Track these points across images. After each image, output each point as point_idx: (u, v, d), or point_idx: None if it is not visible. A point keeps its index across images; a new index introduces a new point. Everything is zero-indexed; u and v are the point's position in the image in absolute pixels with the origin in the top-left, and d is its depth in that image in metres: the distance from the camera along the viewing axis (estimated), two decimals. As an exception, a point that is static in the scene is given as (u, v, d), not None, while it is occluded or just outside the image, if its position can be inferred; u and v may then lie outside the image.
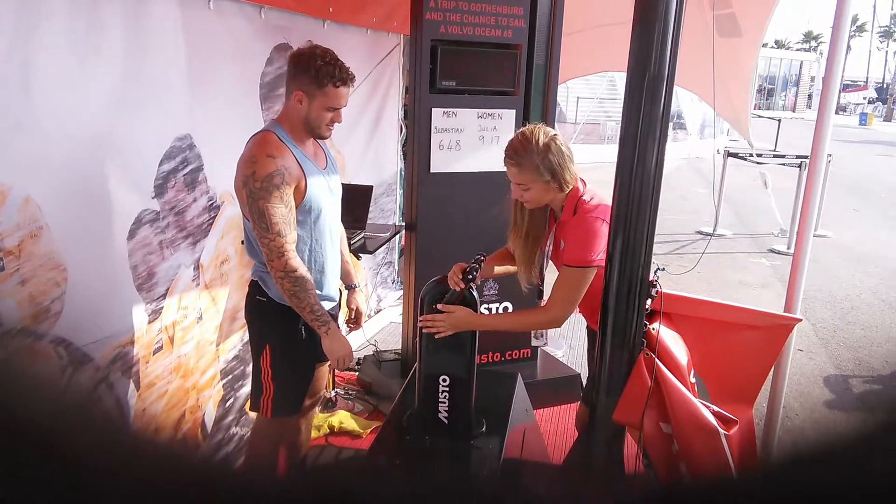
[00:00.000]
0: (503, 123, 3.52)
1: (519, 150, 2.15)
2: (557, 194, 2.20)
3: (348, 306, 2.72)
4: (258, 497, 0.47)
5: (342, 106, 2.23)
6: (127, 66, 2.24)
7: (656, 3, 2.01)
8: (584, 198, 2.18)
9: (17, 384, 0.46)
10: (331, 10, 3.52)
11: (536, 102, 3.59)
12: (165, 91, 2.46)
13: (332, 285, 2.47)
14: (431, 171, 3.42)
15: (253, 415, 3.05)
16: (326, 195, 2.32)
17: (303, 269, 2.16)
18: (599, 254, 2.10)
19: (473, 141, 3.48)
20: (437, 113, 3.36)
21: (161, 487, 0.43)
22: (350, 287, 2.70)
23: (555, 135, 2.18)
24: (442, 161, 3.44)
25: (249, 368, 2.74)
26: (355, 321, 2.69)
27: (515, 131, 3.49)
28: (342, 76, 2.17)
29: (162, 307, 2.54)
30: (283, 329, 2.35)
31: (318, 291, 2.35)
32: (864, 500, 0.41)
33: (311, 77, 2.15)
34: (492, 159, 3.54)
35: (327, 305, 2.44)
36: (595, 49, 5.59)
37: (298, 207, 2.22)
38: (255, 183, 2.10)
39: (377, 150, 4.61)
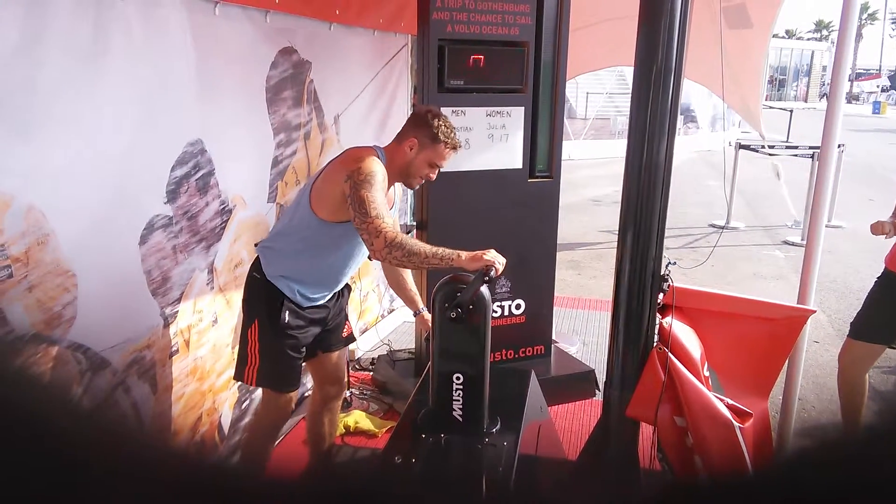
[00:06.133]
0: (512, 121, 3.52)
1: None
2: None
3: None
4: (271, 497, 0.48)
5: (442, 166, 2.48)
6: (136, 73, 2.26)
7: (662, -3, 2.01)
8: None
9: (29, 387, 0.47)
10: (337, 12, 3.53)
11: (545, 99, 3.59)
12: (176, 96, 2.48)
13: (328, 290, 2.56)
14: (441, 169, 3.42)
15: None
16: None
17: (401, 235, 2.21)
18: None
19: (483, 139, 3.48)
20: (445, 112, 3.36)
21: (171, 489, 0.43)
22: (417, 313, 2.81)
23: None
24: (451, 160, 3.43)
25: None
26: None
27: (526, 128, 3.51)
28: (455, 142, 2.43)
29: (177, 311, 2.57)
30: (270, 308, 2.43)
31: (308, 295, 2.46)
32: (875, 496, 0.41)
33: (432, 133, 2.38)
34: (501, 157, 3.54)
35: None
36: (603, 44, 5.57)
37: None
38: (360, 175, 2.24)
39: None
